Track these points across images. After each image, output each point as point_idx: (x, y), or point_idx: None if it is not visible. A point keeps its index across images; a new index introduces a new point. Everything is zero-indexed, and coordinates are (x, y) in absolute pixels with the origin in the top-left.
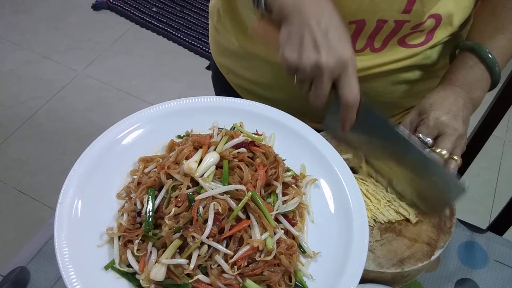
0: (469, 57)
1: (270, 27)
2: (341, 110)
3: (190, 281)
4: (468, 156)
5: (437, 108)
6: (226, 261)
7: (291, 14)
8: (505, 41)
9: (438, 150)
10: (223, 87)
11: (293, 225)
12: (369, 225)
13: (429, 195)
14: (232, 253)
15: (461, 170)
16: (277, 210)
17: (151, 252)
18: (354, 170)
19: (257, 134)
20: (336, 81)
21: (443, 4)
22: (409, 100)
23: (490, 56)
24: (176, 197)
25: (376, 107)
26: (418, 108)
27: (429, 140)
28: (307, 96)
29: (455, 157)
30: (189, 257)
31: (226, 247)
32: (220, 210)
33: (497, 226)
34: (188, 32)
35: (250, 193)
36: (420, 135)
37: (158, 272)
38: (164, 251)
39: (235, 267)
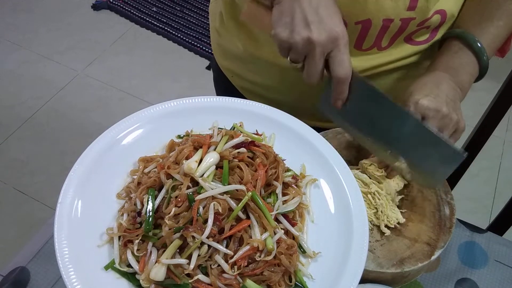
0: (454, 43)
1: (261, 10)
2: (333, 86)
3: (190, 281)
4: (468, 156)
5: (416, 94)
6: (226, 261)
7: None
8: (492, 28)
9: None
10: (224, 89)
11: (293, 225)
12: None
13: (428, 166)
14: (232, 253)
15: (461, 170)
16: (277, 210)
17: (151, 252)
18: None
19: (257, 134)
20: (328, 57)
21: None
22: None
23: (477, 42)
24: (176, 197)
25: (369, 80)
26: (400, 102)
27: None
28: (301, 75)
29: None
30: (189, 257)
31: (226, 247)
32: (220, 210)
33: (497, 226)
34: (188, 32)
35: (250, 193)
36: (416, 115)
37: (158, 272)
38: (164, 251)
39: (235, 267)
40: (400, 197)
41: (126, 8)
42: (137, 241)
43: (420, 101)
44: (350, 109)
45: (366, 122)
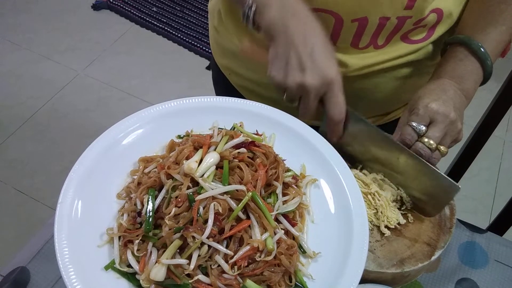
0: (459, 50)
1: (259, 47)
2: (327, 125)
3: (190, 281)
4: (468, 156)
5: (425, 97)
6: (226, 261)
7: (278, 34)
8: (495, 33)
9: (425, 140)
10: (224, 88)
11: (293, 225)
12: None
13: (425, 196)
14: (232, 253)
15: (461, 170)
16: (277, 210)
17: (151, 252)
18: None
19: (257, 134)
20: (323, 98)
21: None
22: (409, 94)
23: (481, 48)
24: (176, 197)
25: (364, 117)
26: (408, 106)
27: (423, 127)
28: (296, 111)
29: (441, 148)
30: (189, 257)
31: (226, 247)
32: (220, 210)
33: (497, 226)
34: (188, 32)
35: (250, 193)
36: (413, 123)
37: (158, 272)
38: (164, 251)
39: (235, 267)
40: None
41: (126, 8)
42: (137, 241)
43: (430, 105)
44: (347, 142)
45: (364, 154)
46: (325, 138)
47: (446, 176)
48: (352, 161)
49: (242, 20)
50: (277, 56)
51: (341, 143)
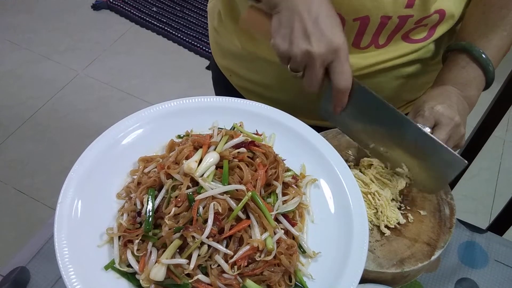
0: (461, 57)
1: (261, 16)
2: (333, 95)
3: (190, 281)
4: (468, 156)
5: (431, 101)
6: (226, 261)
7: (281, 2)
8: (497, 39)
9: None
10: (223, 88)
11: (293, 225)
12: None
13: (429, 172)
14: (232, 253)
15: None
16: (277, 210)
17: (151, 252)
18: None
19: (257, 134)
20: (328, 67)
21: None
22: (410, 93)
23: (483, 55)
24: (176, 197)
25: (369, 88)
26: (413, 110)
27: (427, 129)
28: (301, 82)
29: None
30: (189, 257)
31: (226, 247)
32: (220, 210)
33: (497, 226)
34: (188, 32)
35: (250, 193)
36: (418, 125)
37: (158, 272)
38: (164, 251)
39: (235, 267)
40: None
41: (126, 8)
42: (137, 241)
43: (436, 107)
44: (350, 114)
45: (366, 128)
46: (325, 114)
47: (452, 151)
48: (357, 137)
49: None
50: (281, 24)
51: (346, 115)
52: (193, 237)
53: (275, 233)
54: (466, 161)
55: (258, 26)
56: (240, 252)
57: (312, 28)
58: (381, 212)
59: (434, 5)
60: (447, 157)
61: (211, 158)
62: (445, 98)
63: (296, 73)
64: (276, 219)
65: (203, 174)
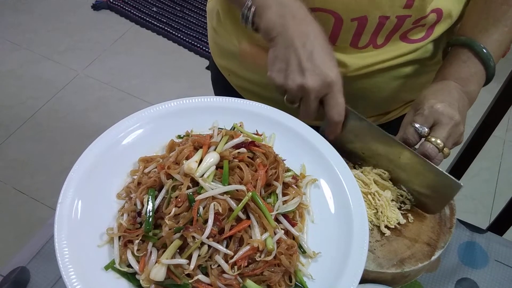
0: (463, 52)
1: (258, 49)
2: (327, 125)
3: (190, 281)
4: (468, 156)
5: (431, 98)
6: (226, 261)
7: (277, 36)
8: (497, 35)
9: (432, 139)
10: (223, 88)
11: (293, 225)
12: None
13: (427, 194)
14: (232, 253)
15: (461, 170)
16: (277, 210)
17: (151, 252)
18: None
19: (257, 134)
20: (323, 99)
21: None
22: (408, 94)
23: (484, 50)
24: (176, 197)
25: (363, 116)
26: (413, 106)
27: (425, 129)
28: (296, 111)
29: (445, 149)
30: (189, 257)
31: (226, 247)
32: (220, 210)
33: (497, 226)
34: (188, 32)
35: (250, 193)
36: (416, 125)
37: (158, 272)
38: (164, 251)
39: (235, 267)
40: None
41: (126, 8)
42: (137, 241)
43: (435, 106)
44: (346, 139)
45: (366, 151)
46: (326, 136)
47: (448, 174)
48: (354, 158)
49: (241, 21)
50: (277, 58)
51: (343, 140)
52: (193, 237)
53: (275, 233)
54: (461, 184)
55: (256, 58)
56: (240, 252)
57: (306, 63)
58: (381, 212)
59: (431, 4)
60: (444, 179)
61: (211, 158)
62: (446, 94)
63: (293, 103)
64: (276, 219)
65: (203, 174)
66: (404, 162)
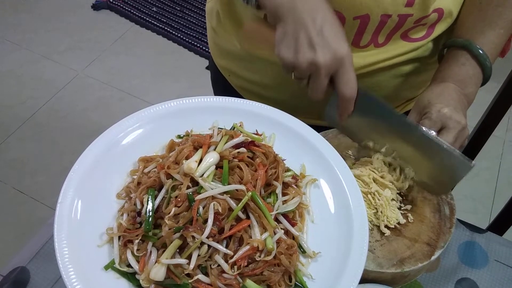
0: (460, 54)
1: (264, 27)
2: (339, 103)
3: (190, 281)
4: (468, 156)
5: (437, 102)
6: (226, 261)
7: (285, 13)
8: (494, 37)
9: None
10: (222, 88)
11: (293, 225)
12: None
13: (436, 174)
14: (232, 253)
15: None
16: (277, 210)
17: (151, 252)
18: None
19: (257, 134)
20: (333, 76)
21: None
22: (409, 91)
23: (481, 52)
24: (176, 197)
25: (374, 94)
26: (416, 109)
27: (433, 132)
28: (305, 90)
29: None
30: (189, 257)
31: (226, 247)
32: (220, 210)
33: (497, 226)
34: (188, 32)
35: (250, 193)
36: (423, 128)
37: (158, 272)
38: (164, 251)
39: (235, 267)
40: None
41: (126, 8)
42: (137, 241)
43: (442, 110)
44: (356, 121)
45: (372, 133)
46: (330, 121)
47: (459, 153)
48: (361, 137)
49: (243, 1)
50: (286, 34)
51: (351, 122)
52: (193, 237)
53: (275, 233)
54: (473, 163)
55: (261, 37)
56: (240, 252)
57: (317, 38)
58: (381, 212)
59: (434, 4)
60: (454, 160)
61: (211, 158)
62: (448, 98)
63: (301, 81)
64: (276, 219)
65: (203, 174)
66: (413, 143)
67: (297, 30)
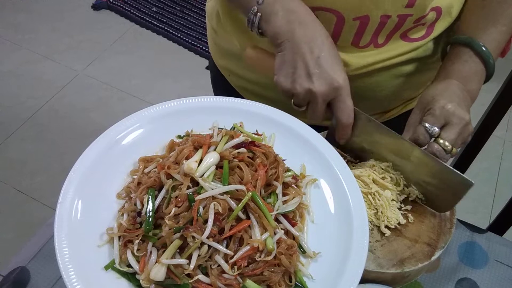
0: (463, 51)
1: (264, 54)
2: (337, 129)
3: (190, 281)
4: (468, 156)
5: (440, 99)
6: (226, 261)
7: (284, 41)
8: (496, 34)
9: (441, 141)
10: (223, 88)
11: (293, 225)
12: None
13: (437, 193)
14: (232, 253)
15: (461, 170)
16: (277, 210)
17: (151, 252)
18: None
19: (257, 134)
20: (331, 103)
21: None
22: (409, 91)
23: (484, 49)
24: (176, 197)
25: (372, 118)
26: (419, 106)
27: (436, 129)
28: (304, 115)
29: (453, 148)
30: (189, 257)
31: (226, 247)
32: (220, 210)
33: (497, 226)
34: (188, 32)
35: (250, 193)
36: (427, 125)
37: (158, 272)
38: (164, 251)
39: (235, 267)
40: (403, 196)
41: (126, 8)
42: (137, 241)
43: (446, 106)
44: (355, 142)
45: (373, 153)
46: (334, 136)
47: (459, 172)
48: (363, 155)
49: (247, 25)
50: (284, 63)
51: (352, 142)
52: (193, 237)
53: (275, 233)
54: (472, 182)
55: (261, 64)
56: (240, 252)
57: (314, 67)
58: (381, 212)
59: (432, 3)
60: (455, 178)
61: (211, 158)
62: (452, 95)
63: (300, 107)
64: (276, 219)
65: (203, 174)
66: (414, 162)
67: (295, 59)
